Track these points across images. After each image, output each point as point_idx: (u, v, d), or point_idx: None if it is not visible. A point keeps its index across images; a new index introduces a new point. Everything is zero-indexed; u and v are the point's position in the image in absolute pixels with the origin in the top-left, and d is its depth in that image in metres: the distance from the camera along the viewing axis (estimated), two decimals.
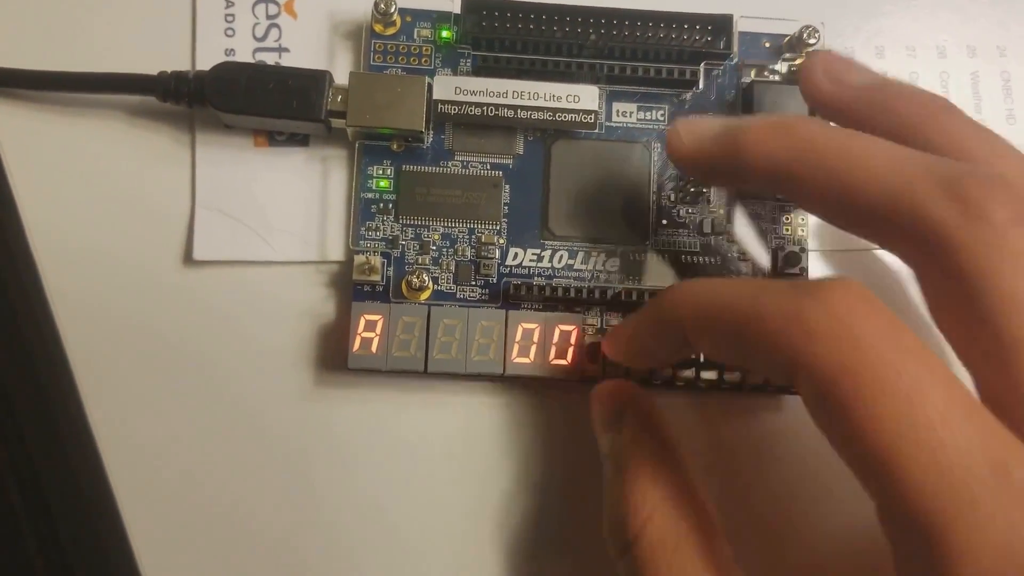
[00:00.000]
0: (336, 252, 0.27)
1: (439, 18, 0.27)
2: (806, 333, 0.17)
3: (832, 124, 0.22)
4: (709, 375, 0.25)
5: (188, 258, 0.27)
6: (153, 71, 0.26)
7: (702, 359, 0.25)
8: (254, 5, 0.28)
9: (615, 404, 0.24)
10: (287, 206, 0.27)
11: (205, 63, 0.26)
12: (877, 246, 0.21)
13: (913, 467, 0.16)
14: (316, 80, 0.25)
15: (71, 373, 0.26)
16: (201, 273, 0.27)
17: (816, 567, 0.26)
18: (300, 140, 0.27)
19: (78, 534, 0.25)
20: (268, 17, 0.28)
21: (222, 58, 0.27)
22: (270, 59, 0.27)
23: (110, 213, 0.27)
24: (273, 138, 0.27)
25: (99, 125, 0.27)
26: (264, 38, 0.27)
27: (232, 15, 0.27)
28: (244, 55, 0.27)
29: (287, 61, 0.27)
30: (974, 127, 0.21)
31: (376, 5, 0.26)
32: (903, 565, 0.17)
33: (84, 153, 0.27)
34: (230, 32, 0.27)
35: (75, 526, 0.25)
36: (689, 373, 0.25)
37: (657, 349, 0.23)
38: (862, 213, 0.19)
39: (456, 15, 0.27)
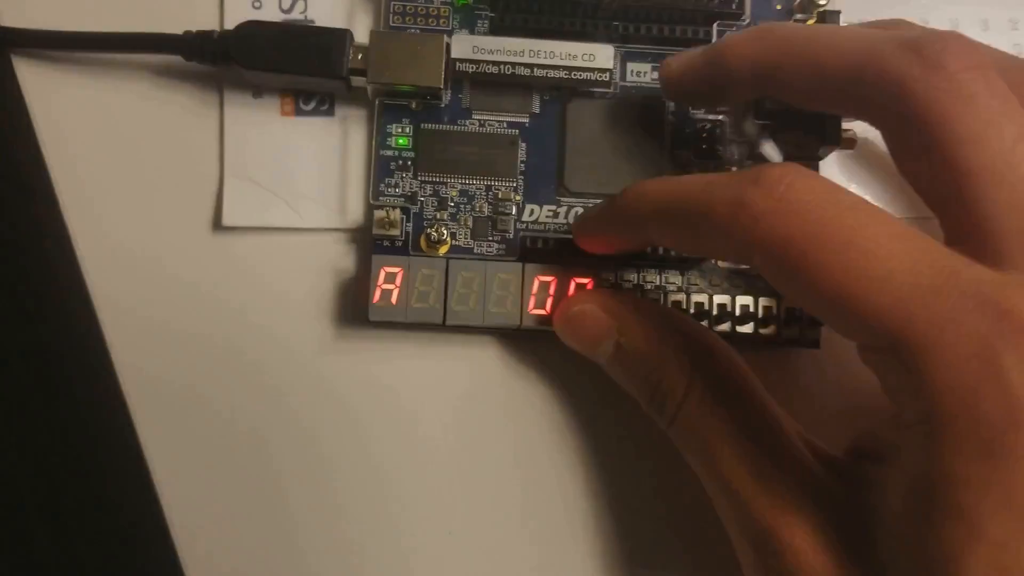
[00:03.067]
0: (359, 216, 0.27)
1: None
2: (752, 217, 0.19)
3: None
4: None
5: (217, 224, 0.27)
6: (182, 22, 0.26)
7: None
8: None
9: (604, 316, 0.25)
10: (313, 173, 0.27)
11: (233, 13, 0.27)
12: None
13: (870, 297, 0.18)
14: (337, 38, 0.26)
15: (103, 337, 0.27)
16: (230, 238, 0.27)
17: None
18: (326, 110, 0.28)
19: (106, 479, 0.26)
20: None
21: (251, 16, 0.27)
22: (297, 8, 0.28)
23: (139, 176, 0.27)
24: (299, 108, 0.28)
25: (126, 86, 0.28)
26: (290, 10, 0.28)
27: None
28: (271, 14, 0.28)
29: (314, 10, 0.28)
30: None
31: None
32: (889, 385, 0.19)
33: (112, 114, 0.28)
34: (257, 4, 0.28)
35: (102, 472, 0.26)
36: None
37: (619, 243, 0.25)
38: (836, 86, 0.21)
39: None
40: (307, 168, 0.27)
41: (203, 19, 0.28)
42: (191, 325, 0.27)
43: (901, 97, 0.20)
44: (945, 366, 0.17)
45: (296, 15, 0.28)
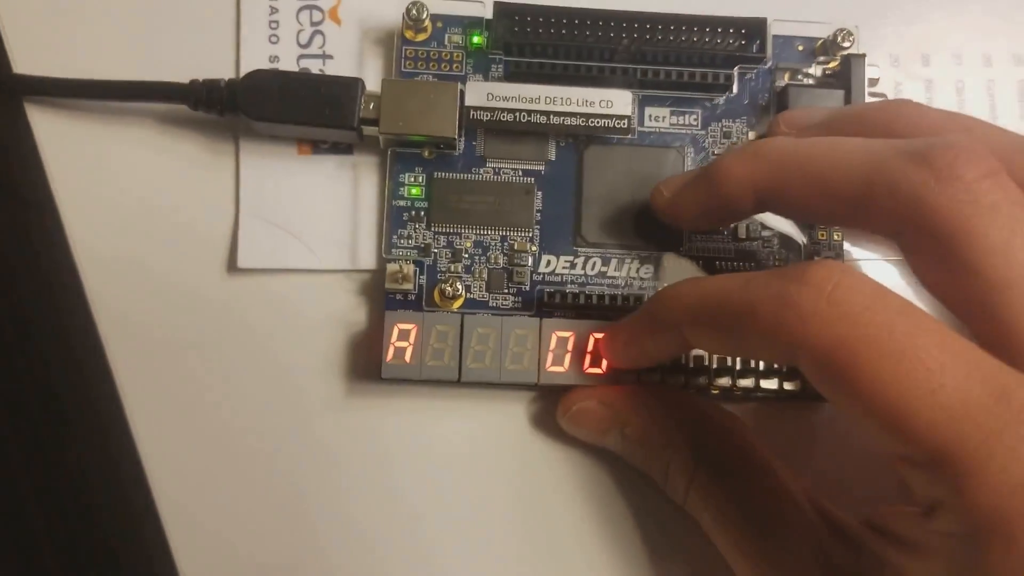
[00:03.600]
0: (370, 261, 0.27)
1: (470, 24, 0.27)
2: (798, 317, 0.18)
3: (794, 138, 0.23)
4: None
5: (232, 266, 0.26)
6: (199, 77, 0.26)
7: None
8: (298, 11, 0.27)
9: (603, 411, 0.25)
10: (330, 213, 0.27)
11: (250, 70, 0.26)
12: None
13: (920, 412, 0.17)
14: (348, 88, 0.25)
15: (114, 383, 0.26)
16: (244, 281, 0.27)
17: None
18: (344, 148, 0.27)
19: (121, 542, 0.26)
20: (312, 24, 0.27)
21: (267, 65, 0.27)
22: (314, 66, 0.27)
23: (152, 222, 0.27)
24: (317, 146, 0.27)
25: (138, 134, 0.27)
26: (308, 44, 0.27)
27: (276, 22, 0.27)
28: (288, 62, 0.27)
29: (331, 68, 0.27)
30: (939, 112, 0.23)
31: (407, 11, 0.26)
32: (922, 493, 0.18)
33: (125, 161, 0.27)
34: (274, 39, 0.27)
35: (118, 533, 0.26)
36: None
37: (655, 351, 0.24)
38: (844, 204, 0.21)
39: (487, 20, 0.26)
40: (324, 208, 0.27)
41: (221, 55, 0.27)
42: (204, 371, 0.26)
43: (918, 211, 0.19)
44: (995, 492, 0.16)
45: (315, 49, 0.27)
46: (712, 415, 0.24)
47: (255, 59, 0.27)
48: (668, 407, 0.24)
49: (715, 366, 0.25)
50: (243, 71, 0.26)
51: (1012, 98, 0.29)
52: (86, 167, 0.27)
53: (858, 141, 0.21)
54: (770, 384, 0.25)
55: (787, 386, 0.25)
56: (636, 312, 0.24)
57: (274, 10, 0.27)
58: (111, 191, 0.27)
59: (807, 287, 0.18)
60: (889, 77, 0.28)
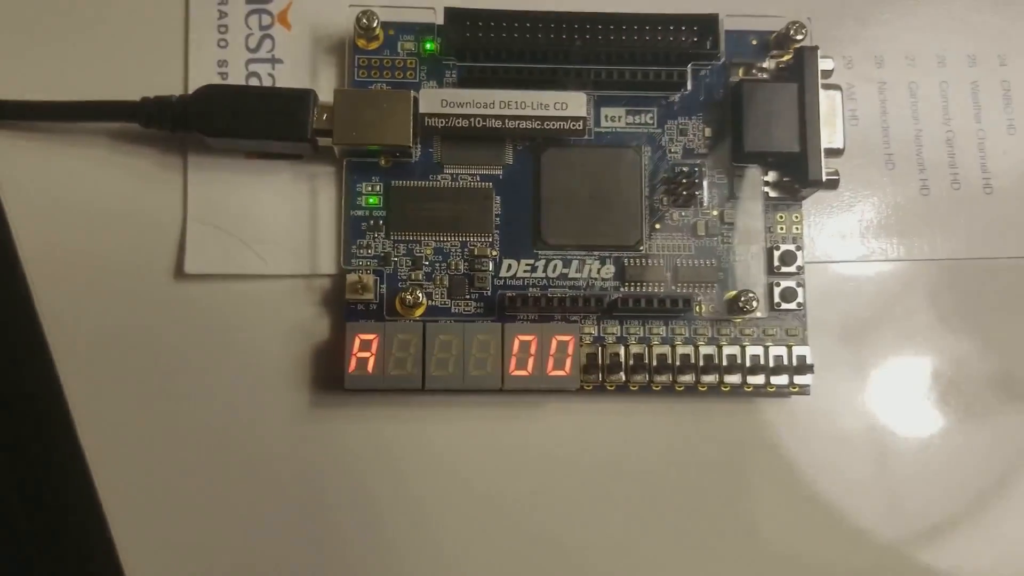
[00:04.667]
0: (328, 265, 0.26)
1: (422, 30, 0.27)
2: None
3: None
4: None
5: (179, 272, 0.26)
6: (147, 83, 0.26)
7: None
8: (247, 15, 0.27)
9: None
10: (279, 219, 0.27)
11: (198, 75, 0.26)
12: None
13: None
14: (300, 99, 0.25)
15: (61, 388, 0.26)
16: (193, 287, 0.26)
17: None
18: (293, 156, 0.27)
19: (66, 552, 0.25)
20: (261, 28, 0.27)
21: (215, 70, 0.27)
22: (263, 70, 0.27)
23: (101, 230, 0.26)
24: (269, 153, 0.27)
25: (91, 152, 0.27)
26: (257, 49, 0.27)
27: (225, 26, 0.27)
28: (237, 66, 0.27)
29: (280, 72, 0.27)
30: None
31: (358, 20, 0.26)
32: None
33: (76, 172, 0.27)
34: (223, 43, 0.27)
35: (63, 542, 0.25)
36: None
37: None
38: None
39: (439, 26, 0.26)
40: (273, 213, 0.27)
41: (169, 60, 0.27)
42: (155, 385, 0.26)
43: None
44: None
45: (263, 54, 0.27)
46: None
47: (204, 64, 0.27)
48: None
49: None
50: (192, 77, 0.26)
51: (966, 99, 0.29)
52: (38, 182, 0.27)
53: None
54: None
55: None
56: None
57: (223, 14, 0.27)
58: (62, 203, 0.27)
59: None
60: (843, 79, 0.28)
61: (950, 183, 0.28)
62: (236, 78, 0.27)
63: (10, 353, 0.26)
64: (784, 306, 0.26)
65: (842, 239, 0.28)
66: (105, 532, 0.25)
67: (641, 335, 0.26)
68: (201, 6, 0.27)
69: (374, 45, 0.27)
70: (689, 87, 0.27)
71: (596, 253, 0.26)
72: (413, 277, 0.26)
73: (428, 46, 0.27)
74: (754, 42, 0.27)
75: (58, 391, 0.26)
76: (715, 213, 0.27)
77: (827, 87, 0.26)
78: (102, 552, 0.25)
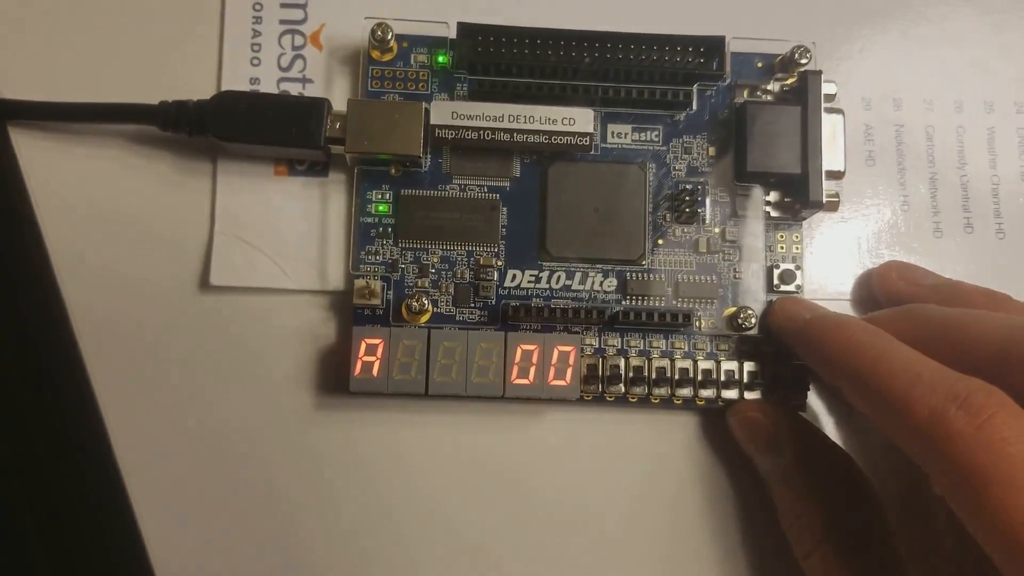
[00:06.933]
0: (340, 281, 0.27)
1: (435, 44, 0.27)
2: (947, 434, 0.19)
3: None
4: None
5: (204, 283, 0.27)
6: (180, 98, 0.26)
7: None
8: (281, 35, 0.28)
9: (770, 428, 0.26)
10: (304, 234, 0.27)
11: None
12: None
13: None
14: (315, 108, 0.26)
15: (94, 394, 0.26)
16: (215, 298, 0.27)
17: None
18: (319, 169, 0.27)
19: (95, 550, 0.26)
20: (294, 48, 0.28)
21: (247, 88, 0.27)
22: (294, 88, 0.28)
23: (131, 238, 0.27)
24: (294, 168, 0.27)
25: (115, 154, 0.27)
26: (289, 68, 0.28)
27: (259, 44, 0.28)
28: (269, 85, 0.28)
29: (310, 91, 0.28)
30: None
31: (373, 32, 0.27)
32: None
33: (104, 180, 0.27)
34: (256, 61, 0.28)
35: (93, 544, 0.26)
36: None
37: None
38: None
39: (452, 40, 0.27)
40: (298, 229, 0.27)
41: (203, 77, 0.28)
42: (177, 387, 0.27)
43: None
44: None
45: (295, 73, 0.28)
46: (856, 479, 0.25)
47: (236, 81, 0.28)
48: (820, 452, 0.25)
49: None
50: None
51: (981, 145, 0.29)
52: (67, 187, 0.27)
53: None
54: (731, 395, 0.26)
55: (748, 395, 0.26)
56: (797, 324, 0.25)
57: (257, 33, 0.28)
58: (93, 210, 0.27)
59: (964, 410, 0.19)
60: (860, 120, 0.28)
61: (963, 227, 0.29)
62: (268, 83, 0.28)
63: (45, 360, 0.27)
64: None
65: (851, 276, 0.28)
66: (136, 532, 0.26)
67: (641, 348, 0.27)
68: (236, 25, 0.28)
69: (388, 57, 0.27)
70: (695, 107, 0.28)
71: (599, 266, 0.27)
72: (420, 284, 0.26)
73: (440, 59, 0.27)
74: (759, 64, 0.28)
75: (91, 398, 0.26)
76: (717, 231, 0.27)
77: (829, 111, 0.27)
78: (131, 547, 0.26)
